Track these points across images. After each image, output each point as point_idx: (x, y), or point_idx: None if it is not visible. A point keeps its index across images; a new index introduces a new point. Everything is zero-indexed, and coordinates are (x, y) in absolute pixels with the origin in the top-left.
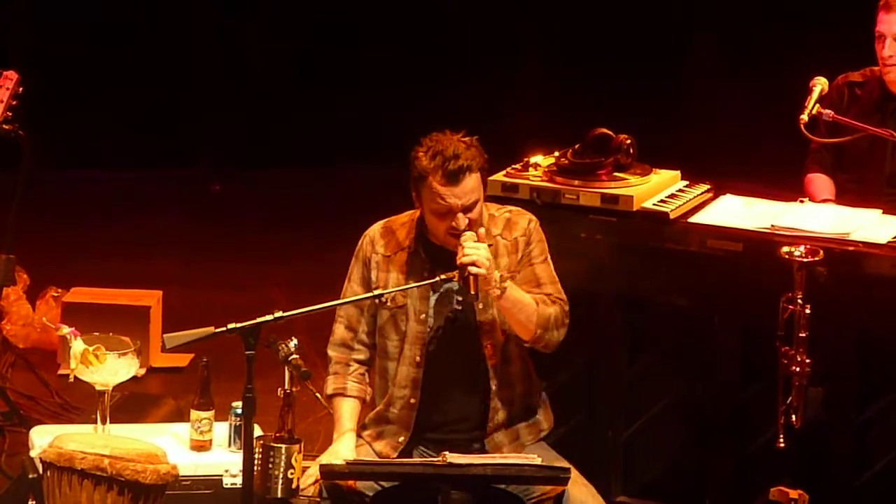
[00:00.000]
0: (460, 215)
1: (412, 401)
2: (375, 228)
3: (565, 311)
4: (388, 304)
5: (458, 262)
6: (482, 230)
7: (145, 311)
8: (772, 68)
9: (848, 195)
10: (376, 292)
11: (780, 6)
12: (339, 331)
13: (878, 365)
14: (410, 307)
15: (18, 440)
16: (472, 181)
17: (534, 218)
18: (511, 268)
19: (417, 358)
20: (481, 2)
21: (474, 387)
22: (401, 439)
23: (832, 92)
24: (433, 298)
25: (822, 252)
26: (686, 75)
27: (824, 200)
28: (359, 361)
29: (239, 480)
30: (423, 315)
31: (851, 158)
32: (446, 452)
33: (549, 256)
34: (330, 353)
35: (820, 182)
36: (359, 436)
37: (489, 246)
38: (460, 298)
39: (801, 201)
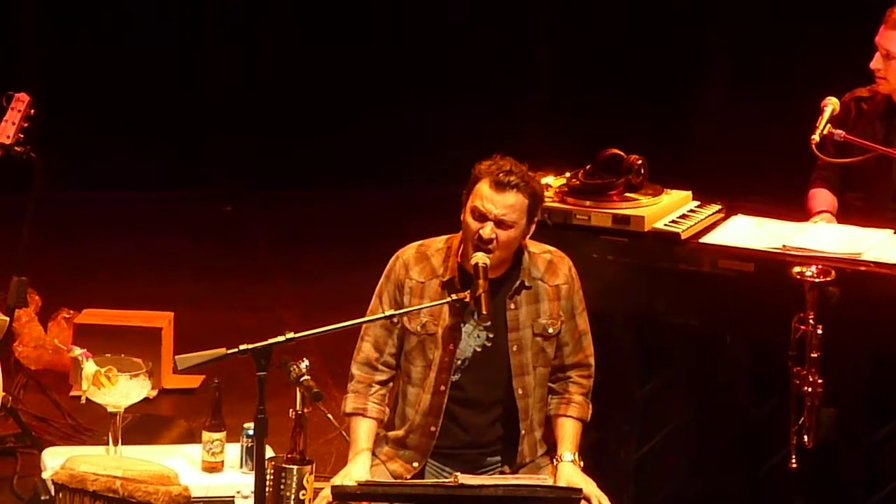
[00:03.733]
0: (490, 225)
1: (432, 429)
2: (409, 252)
3: (593, 372)
4: (419, 330)
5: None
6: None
7: (157, 333)
8: (782, 88)
9: (856, 212)
10: (388, 313)
11: (790, 26)
12: (366, 349)
13: (890, 385)
14: (440, 336)
15: (30, 462)
16: (514, 198)
17: (571, 263)
18: (552, 313)
19: (442, 387)
20: (492, 21)
21: (499, 425)
22: (415, 464)
23: (840, 109)
24: (464, 330)
25: (833, 272)
26: (697, 95)
27: (820, 212)
28: (380, 383)
29: (251, 502)
30: (452, 345)
31: (859, 175)
32: (458, 474)
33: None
34: (353, 371)
35: (820, 196)
36: (374, 454)
37: (529, 289)
38: (491, 335)
39: (815, 221)
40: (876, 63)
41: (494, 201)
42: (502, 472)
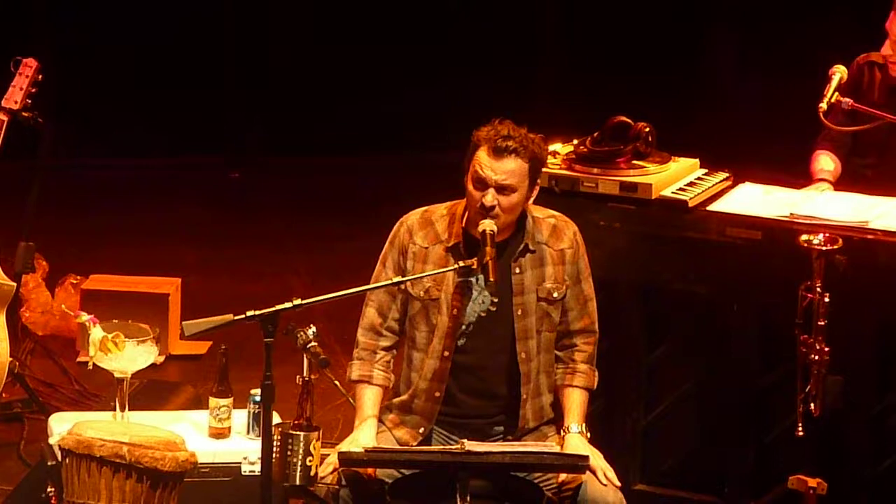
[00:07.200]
0: (491, 192)
1: (437, 394)
2: (413, 218)
3: (597, 338)
4: (422, 295)
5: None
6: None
7: (164, 299)
8: (790, 55)
9: (864, 180)
10: (395, 280)
11: None
12: (370, 314)
13: None
14: (443, 301)
15: (37, 427)
16: (514, 164)
17: (576, 228)
18: (557, 278)
19: (446, 352)
20: None
21: (503, 390)
22: (421, 430)
23: (853, 70)
24: (468, 295)
25: (841, 240)
26: (705, 62)
27: (820, 180)
28: (385, 349)
29: (257, 468)
30: (456, 310)
31: (868, 143)
32: (465, 441)
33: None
34: (359, 336)
35: (823, 160)
36: (380, 421)
37: (533, 252)
38: (495, 300)
39: (818, 188)
40: (886, 49)
41: (494, 168)
42: (507, 440)
